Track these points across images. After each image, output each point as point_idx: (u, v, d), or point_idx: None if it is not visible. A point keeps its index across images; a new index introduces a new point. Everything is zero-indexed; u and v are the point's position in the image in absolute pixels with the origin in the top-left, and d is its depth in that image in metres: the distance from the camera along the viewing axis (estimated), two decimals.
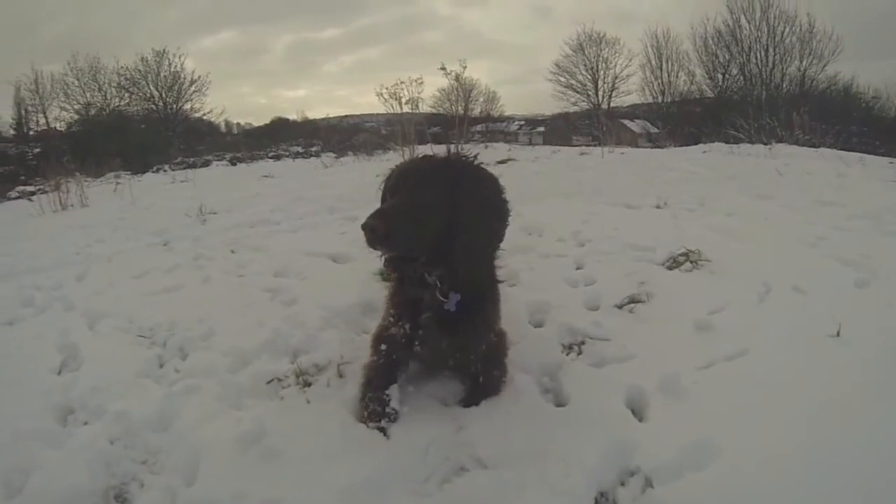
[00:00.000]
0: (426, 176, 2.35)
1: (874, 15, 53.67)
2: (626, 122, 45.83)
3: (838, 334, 2.86)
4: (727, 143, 17.98)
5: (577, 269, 4.06)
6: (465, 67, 12.89)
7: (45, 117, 39.42)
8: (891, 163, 12.13)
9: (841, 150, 15.75)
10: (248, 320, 3.39)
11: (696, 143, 19.73)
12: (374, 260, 4.18)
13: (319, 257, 4.56)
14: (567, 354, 2.95)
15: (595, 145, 21.00)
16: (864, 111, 35.59)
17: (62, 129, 38.68)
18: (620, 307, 3.43)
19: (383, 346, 2.56)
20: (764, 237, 4.62)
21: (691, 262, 3.96)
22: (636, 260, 4.12)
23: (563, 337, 3.09)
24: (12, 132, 38.47)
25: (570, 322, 3.18)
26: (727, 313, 3.23)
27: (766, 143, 17.14)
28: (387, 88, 12.63)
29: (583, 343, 3.03)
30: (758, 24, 36.60)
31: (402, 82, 12.57)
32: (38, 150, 32.18)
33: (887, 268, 3.77)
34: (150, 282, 4.42)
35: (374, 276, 3.87)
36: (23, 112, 38.72)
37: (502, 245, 2.48)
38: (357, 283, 3.82)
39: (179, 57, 41.16)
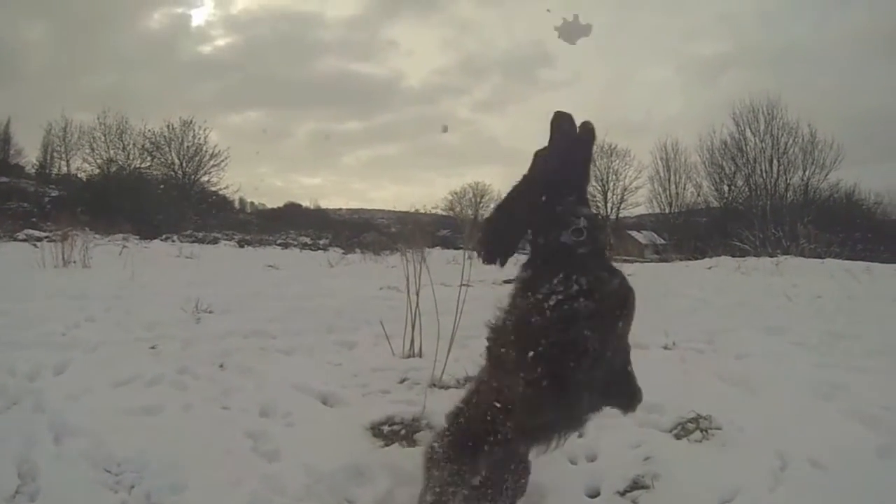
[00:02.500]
0: None
1: (874, 119, 57.29)
2: (633, 233, 46.62)
3: None
4: (733, 256, 18.04)
5: (580, 436, 3.71)
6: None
7: (68, 165, 40.54)
8: None
9: (846, 259, 15.80)
10: (225, 475, 3.12)
11: (702, 257, 19.73)
12: (368, 408, 4.03)
13: (310, 396, 4.29)
14: None
15: None
16: (867, 217, 36.45)
17: (83, 178, 39.52)
18: (623, 494, 3.16)
19: None
20: (777, 388, 4.38)
21: (701, 430, 3.69)
22: (642, 424, 3.83)
23: None
24: (34, 171, 39.39)
25: None
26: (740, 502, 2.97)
27: (771, 256, 17.20)
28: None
29: None
30: (762, 136, 38.11)
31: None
32: (55, 194, 32.75)
33: None
34: (129, 394, 4.17)
35: (365, 432, 3.66)
36: (48, 156, 39.73)
37: None
38: (346, 440, 3.58)
39: (205, 129, 42.48)
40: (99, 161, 40.33)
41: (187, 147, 42.18)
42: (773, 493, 3.08)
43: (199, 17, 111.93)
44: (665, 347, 5.64)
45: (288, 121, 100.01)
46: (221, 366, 4.82)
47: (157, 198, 35.13)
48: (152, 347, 5.30)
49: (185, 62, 70.96)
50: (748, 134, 38.29)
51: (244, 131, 76.84)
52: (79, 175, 40.22)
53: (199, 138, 42.29)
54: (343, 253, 19.41)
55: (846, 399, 4.06)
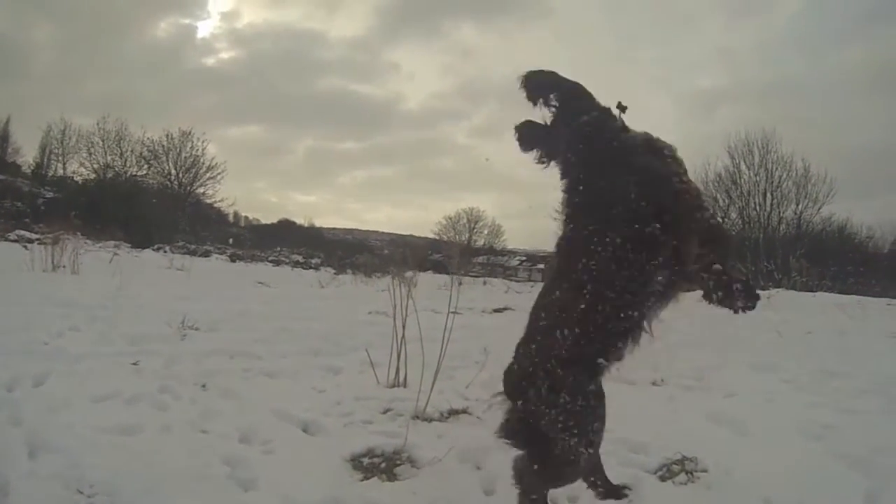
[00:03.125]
0: None
1: (866, 154, 57.99)
2: None
3: None
4: None
5: None
6: None
7: (65, 168, 40.47)
8: (889, 304, 12.18)
9: (839, 292, 15.86)
10: (200, 503, 3.06)
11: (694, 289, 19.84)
12: (349, 439, 3.97)
13: (290, 423, 4.22)
14: None
15: None
16: (859, 250, 36.50)
17: (78, 181, 39.46)
18: None
19: None
20: (766, 428, 4.35)
21: (686, 472, 3.66)
22: (628, 464, 3.79)
23: None
24: (30, 171, 39.33)
25: None
26: None
27: (764, 289, 17.26)
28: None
29: None
30: (756, 169, 38.00)
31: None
32: (50, 195, 32.65)
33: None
34: (107, 411, 4.10)
35: (344, 464, 3.59)
36: (45, 157, 39.68)
37: None
38: (325, 472, 3.51)
39: (203, 141, 42.63)
40: (95, 166, 40.38)
41: (185, 158, 42.40)
42: None
43: (204, 29, 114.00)
44: (654, 384, 5.63)
45: (286, 137, 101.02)
46: (204, 386, 4.76)
47: (152, 207, 35.06)
48: (135, 363, 5.23)
49: (189, 73, 71.73)
50: (742, 167, 38.34)
51: (243, 145, 77.45)
52: (75, 178, 40.22)
53: (197, 149, 42.56)
54: (335, 273, 19.35)
55: (836, 440, 4.04)
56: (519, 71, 3.19)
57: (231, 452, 3.65)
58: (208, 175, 42.82)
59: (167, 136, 41.91)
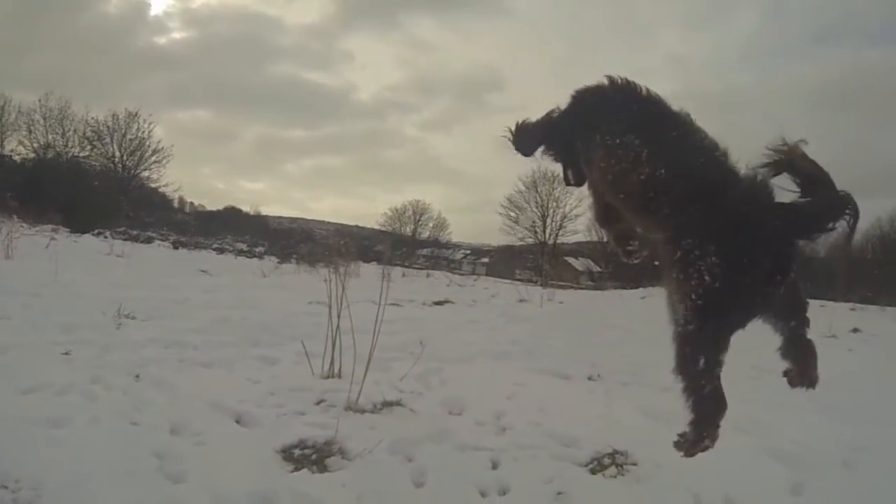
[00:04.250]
0: None
1: None
2: (570, 259, 47.51)
3: None
4: None
5: (493, 468, 3.79)
6: None
7: (2, 145, 38.76)
8: (822, 306, 12.68)
9: None
10: (127, 497, 3.01)
11: (636, 286, 20.32)
12: (281, 430, 4.00)
13: (223, 414, 4.19)
14: None
15: (536, 283, 21.43)
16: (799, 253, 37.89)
17: (16, 160, 37.88)
18: None
19: None
20: None
21: (617, 465, 3.78)
22: (558, 458, 3.90)
23: None
24: None
25: None
26: None
27: None
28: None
29: None
30: None
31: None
32: None
33: (820, 462, 3.75)
34: (35, 403, 3.99)
35: (275, 456, 3.61)
36: None
37: None
38: (256, 464, 3.51)
39: (149, 123, 41.31)
40: (35, 145, 38.75)
41: (130, 140, 41.13)
42: None
43: (157, 6, 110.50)
44: (590, 378, 5.77)
45: (235, 123, 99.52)
46: (137, 376, 4.70)
47: (93, 190, 33.89)
48: (66, 353, 5.12)
49: (139, 51, 69.51)
50: None
51: (190, 129, 75.69)
52: (13, 157, 38.45)
53: (144, 132, 41.31)
54: (278, 262, 19.13)
55: (764, 435, 4.22)
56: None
57: (161, 445, 3.60)
58: (154, 159, 41.74)
59: (113, 116, 40.68)
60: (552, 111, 3.12)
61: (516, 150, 3.29)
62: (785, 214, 2.46)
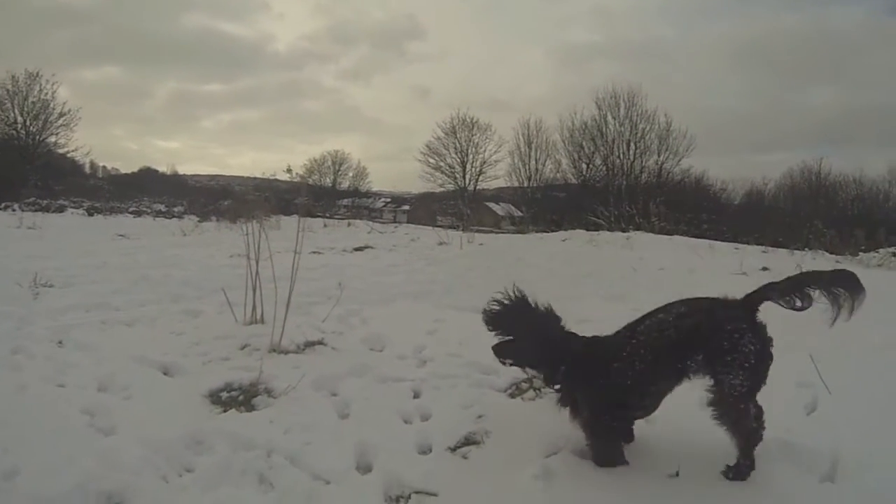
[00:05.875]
0: None
1: (722, 118, 68.35)
2: (490, 204, 48.26)
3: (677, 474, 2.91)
4: (587, 230, 19.18)
5: (415, 397, 3.95)
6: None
7: None
8: (736, 248, 13.43)
9: (693, 236, 17.21)
10: (59, 455, 2.91)
11: (558, 230, 20.82)
12: (207, 376, 4.04)
13: (149, 367, 4.19)
14: None
15: (457, 228, 21.63)
16: (713, 200, 41.08)
17: None
18: (454, 450, 3.31)
19: None
20: None
21: (534, 388, 3.97)
22: (477, 385, 4.10)
23: (389, 488, 2.93)
24: None
25: (397, 471, 3.02)
26: (563, 456, 3.14)
27: (624, 231, 18.45)
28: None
29: (409, 498, 2.88)
30: (622, 120, 41.02)
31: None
32: None
33: None
34: None
35: (203, 400, 3.66)
36: None
37: None
38: (185, 408, 3.57)
39: (53, 84, 38.51)
40: None
41: (32, 103, 38.03)
42: None
43: None
44: None
45: (147, 79, 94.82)
46: (60, 342, 4.60)
47: None
48: None
49: (39, 7, 64.67)
50: (609, 118, 41.05)
51: (99, 88, 71.61)
52: None
53: (47, 94, 38.17)
54: (198, 221, 18.67)
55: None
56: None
57: (90, 402, 3.58)
58: (60, 122, 38.52)
59: (12, 78, 37.60)
60: None
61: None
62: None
